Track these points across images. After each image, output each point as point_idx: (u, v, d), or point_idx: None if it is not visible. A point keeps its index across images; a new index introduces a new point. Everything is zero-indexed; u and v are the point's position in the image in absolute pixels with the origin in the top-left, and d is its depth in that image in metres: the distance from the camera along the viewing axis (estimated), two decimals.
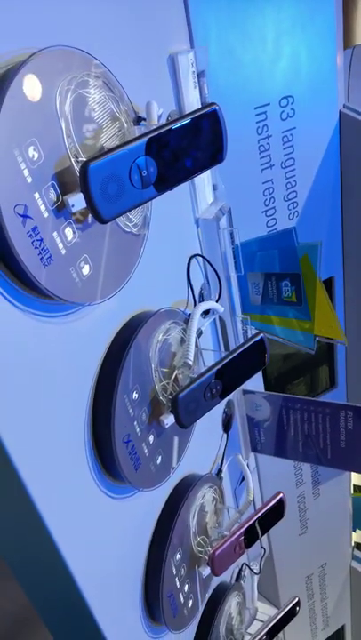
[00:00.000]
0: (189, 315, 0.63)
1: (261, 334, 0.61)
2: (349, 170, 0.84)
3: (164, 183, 0.43)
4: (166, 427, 0.57)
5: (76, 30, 0.45)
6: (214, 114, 0.45)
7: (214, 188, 0.74)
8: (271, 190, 0.79)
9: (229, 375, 0.59)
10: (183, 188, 0.68)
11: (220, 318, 0.79)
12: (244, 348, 0.60)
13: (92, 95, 0.43)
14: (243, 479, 0.86)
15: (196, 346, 0.65)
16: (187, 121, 0.43)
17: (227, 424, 0.86)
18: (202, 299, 0.72)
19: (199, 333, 0.69)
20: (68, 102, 0.41)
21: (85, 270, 0.44)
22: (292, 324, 0.77)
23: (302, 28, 0.71)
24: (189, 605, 0.71)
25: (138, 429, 0.54)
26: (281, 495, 0.71)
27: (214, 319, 0.78)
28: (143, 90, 0.52)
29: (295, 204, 0.82)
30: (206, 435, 0.79)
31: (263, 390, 0.91)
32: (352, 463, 0.79)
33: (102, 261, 0.46)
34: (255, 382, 0.91)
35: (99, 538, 0.55)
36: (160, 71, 0.58)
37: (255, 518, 0.68)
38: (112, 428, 0.50)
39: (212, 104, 0.45)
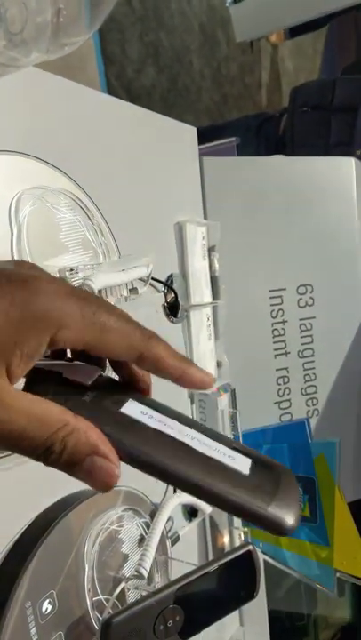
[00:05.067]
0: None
1: (250, 545, 0.44)
2: None
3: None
4: None
5: None
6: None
7: (218, 365, 0.66)
8: (286, 380, 0.69)
9: (199, 602, 0.41)
10: None
11: (213, 527, 0.62)
12: (222, 562, 0.42)
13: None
14: None
15: (164, 553, 0.48)
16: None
17: None
18: None
19: (175, 539, 0.52)
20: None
21: None
22: (306, 550, 0.58)
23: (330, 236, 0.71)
24: None
25: None
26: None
27: (205, 528, 0.61)
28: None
29: (315, 401, 0.70)
30: None
31: None
32: None
33: None
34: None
35: None
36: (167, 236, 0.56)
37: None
38: None
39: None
